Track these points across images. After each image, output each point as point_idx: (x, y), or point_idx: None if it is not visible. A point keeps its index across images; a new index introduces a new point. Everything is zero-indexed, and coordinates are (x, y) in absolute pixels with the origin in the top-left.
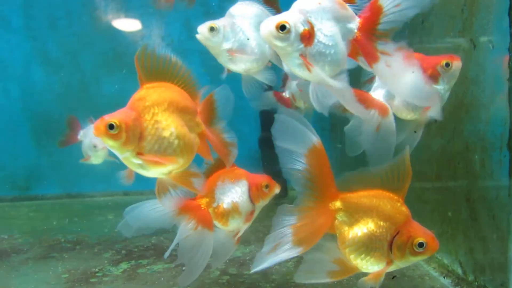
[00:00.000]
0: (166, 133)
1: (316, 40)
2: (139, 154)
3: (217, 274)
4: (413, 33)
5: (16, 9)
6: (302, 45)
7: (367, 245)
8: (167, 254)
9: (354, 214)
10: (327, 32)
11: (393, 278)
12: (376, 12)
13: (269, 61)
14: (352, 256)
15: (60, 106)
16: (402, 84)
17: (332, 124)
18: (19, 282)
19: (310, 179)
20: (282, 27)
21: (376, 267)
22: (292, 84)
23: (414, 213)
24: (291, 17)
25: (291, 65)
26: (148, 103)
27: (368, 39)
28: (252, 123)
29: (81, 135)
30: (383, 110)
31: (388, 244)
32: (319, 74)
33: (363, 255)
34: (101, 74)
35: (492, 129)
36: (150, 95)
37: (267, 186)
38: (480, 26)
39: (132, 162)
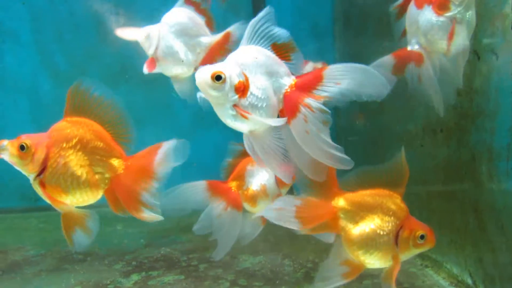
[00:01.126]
0: (63, 170)
1: (249, 93)
2: (41, 184)
3: (227, 285)
4: None
5: (25, 23)
6: (236, 96)
7: (375, 240)
8: (195, 227)
9: (359, 211)
10: (260, 86)
11: None
12: (316, 77)
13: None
14: (360, 252)
15: None
16: (310, 143)
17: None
18: None
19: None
20: (217, 77)
21: (382, 262)
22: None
23: (422, 221)
24: (227, 68)
25: (224, 116)
26: (60, 136)
27: (298, 94)
28: None
29: None
30: (418, 60)
31: (393, 238)
32: (256, 119)
33: (371, 250)
34: (107, 87)
35: (498, 140)
36: (65, 129)
37: None
38: (484, 38)
39: (37, 189)
